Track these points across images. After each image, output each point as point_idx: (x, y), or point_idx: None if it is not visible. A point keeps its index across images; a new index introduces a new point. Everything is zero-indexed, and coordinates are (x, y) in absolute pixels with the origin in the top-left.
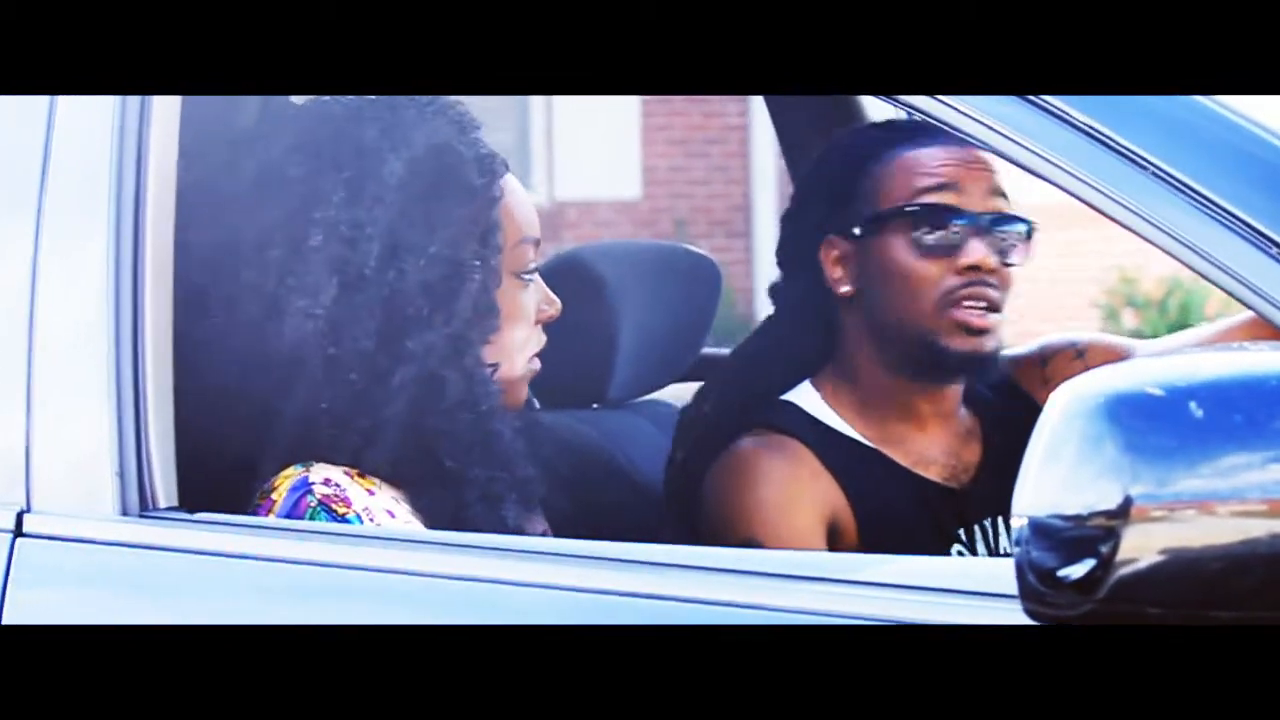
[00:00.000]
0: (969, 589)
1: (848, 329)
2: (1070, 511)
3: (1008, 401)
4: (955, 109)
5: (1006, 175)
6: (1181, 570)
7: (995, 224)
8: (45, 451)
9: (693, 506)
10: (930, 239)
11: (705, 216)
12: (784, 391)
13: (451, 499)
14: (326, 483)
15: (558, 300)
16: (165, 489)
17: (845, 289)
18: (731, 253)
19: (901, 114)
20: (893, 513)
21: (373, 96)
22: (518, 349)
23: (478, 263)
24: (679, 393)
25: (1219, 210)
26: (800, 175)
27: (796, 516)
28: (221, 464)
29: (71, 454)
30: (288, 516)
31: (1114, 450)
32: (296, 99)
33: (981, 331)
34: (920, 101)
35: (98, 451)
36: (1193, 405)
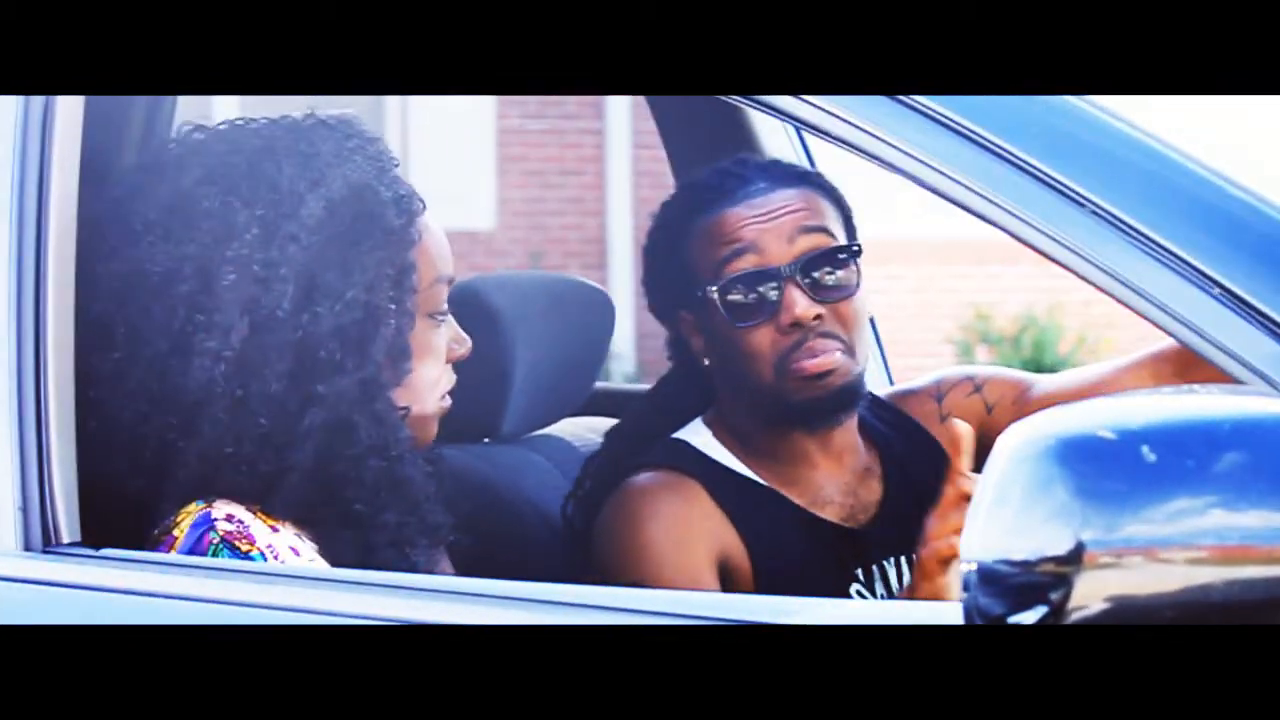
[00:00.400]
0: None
1: (719, 386)
2: (1019, 557)
3: (906, 438)
4: (822, 109)
5: (815, 207)
6: (1133, 618)
7: (808, 267)
8: None
9: (587, 543)
10: (745, 310)
11: (560, 248)
12: (676, 430)
13: (359, 542)
14: (229, 519)
15: (468, 339)
16: (69, 524)
17: (705, 360)
18: None
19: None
20: (788, 552)
21: (288, 125)
22: (429, 389)
23: (393, 306)
24: (571, 428)
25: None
26: (642, 250)
27: (687, 555)
28: (124, 499)
29: None
30: (189, 553)
31: (1064, 494)
32: (208, 124)
33: (822, 374)
34: (784, 102)
35: None
36: (1145, 449)
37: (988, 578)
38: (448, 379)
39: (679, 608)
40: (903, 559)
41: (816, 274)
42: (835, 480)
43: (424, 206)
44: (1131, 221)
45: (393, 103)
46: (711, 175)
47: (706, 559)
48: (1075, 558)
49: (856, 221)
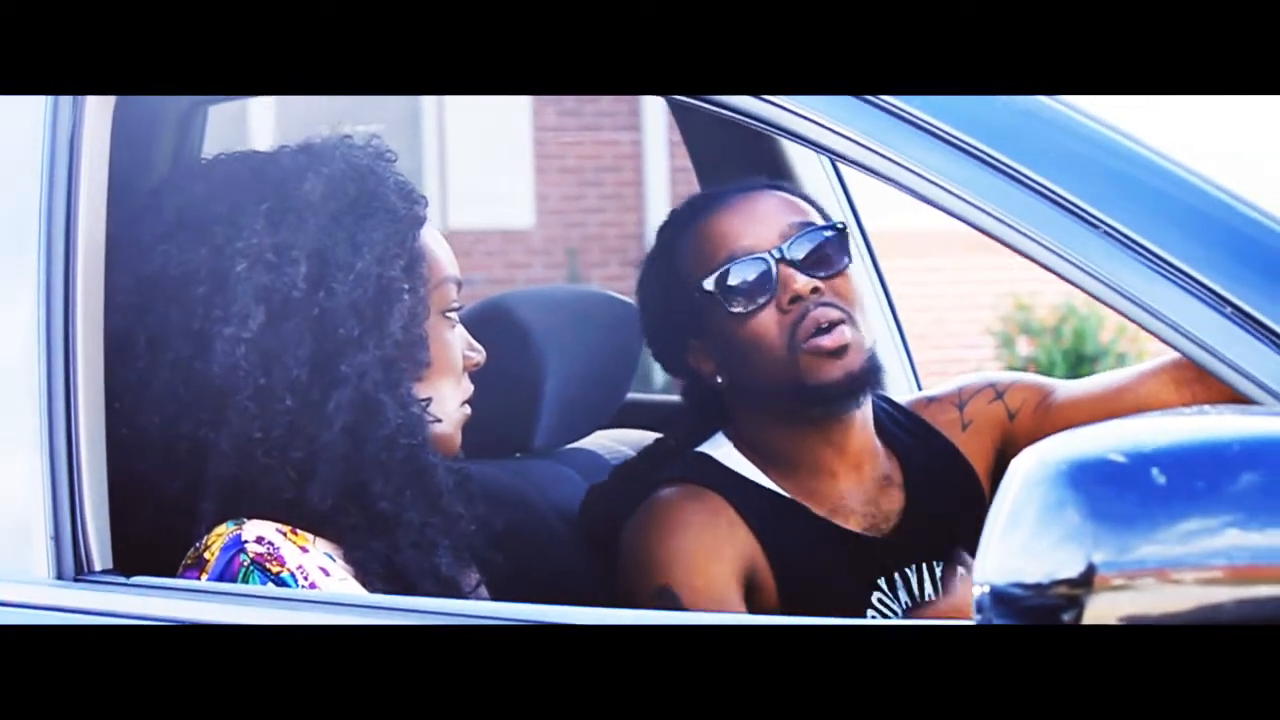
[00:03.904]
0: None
1: (736, 405)
2: (1032, 579)
3: (927, 447)
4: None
5: (790, 200)
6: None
7: (794, 246)
8: None
9: (609, 557)
10: (744, 295)
11: (598, 245)
12: (698, 444)
13: (385, 547)
14: (259, 540)
15: (481, 349)
16: (100, 552)
17: (718, 380)
18: (626, 281)
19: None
20: (811, 563)
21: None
22: (449, 390)
23: (405, 286)
24: (602, 440)
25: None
26: (637, 302)
27: (714, 566)
28: (155, 519)
29: (4, 516)
30: (220, 577)
31: (1076, 517)
32: (208, 153)
33: (839, 350)
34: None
35: (31, 514)
36: (1155, 471)
37: (1001, 600)
38: (465, 385)
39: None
40: (924, 567)
41: (805, 253)
42: (856, 490)
43: (426, 203)
44: (1143, 241)
45: (429, 103)
46: (683, 204)
47: (732, 570)
48: (1087, 580)
49: (830, 214)
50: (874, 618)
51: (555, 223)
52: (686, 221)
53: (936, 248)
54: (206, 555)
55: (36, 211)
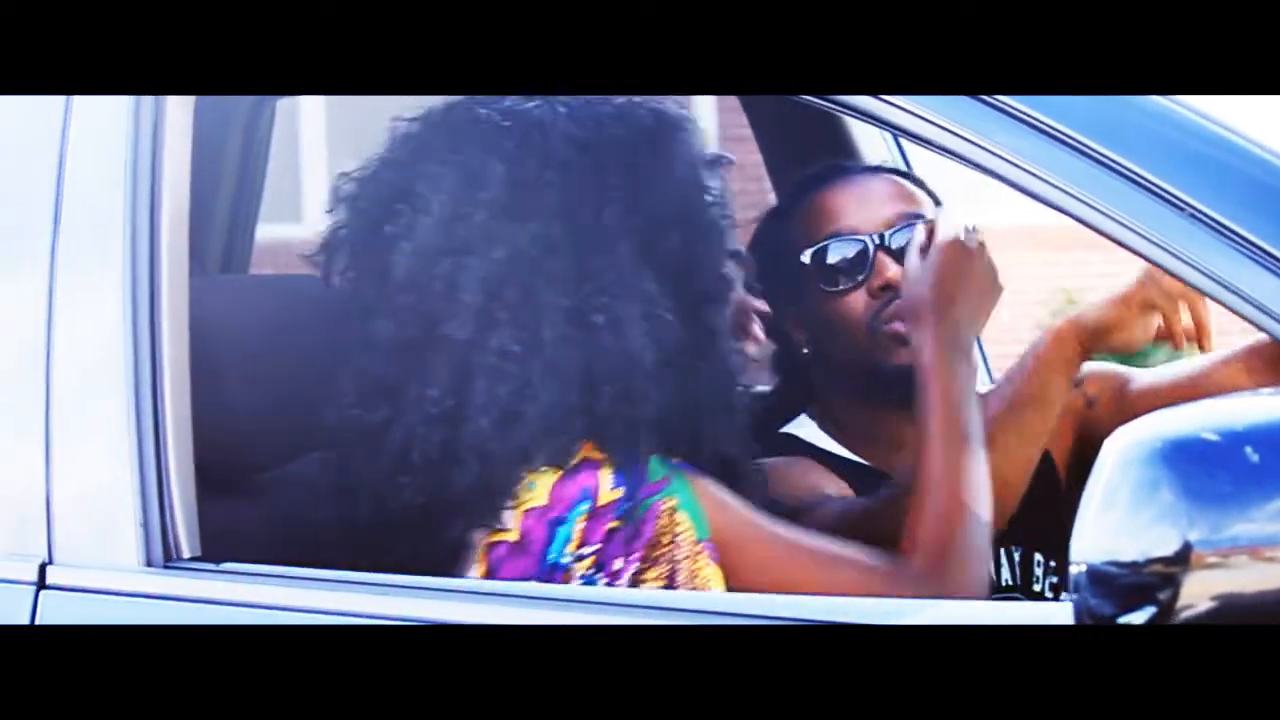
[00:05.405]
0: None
1: (820, 379)
2: (1127, 558)
3: None
4: (907, 110)
5: (906, 191)
6: (1239, 617)
7: (896, 235)
8: (66, 502)
9: None
10: (836, 274)
11: None
12: (783, 427)
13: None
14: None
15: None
16: (189, 539)
17: (805, 350)
18: None
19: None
20: (897, 537)
21: None
22: None
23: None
24: None
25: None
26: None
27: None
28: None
29: (93, 504)
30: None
31: (1170, 496)
32: None
33: None
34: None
35: (119, 501)
36: (1248, 450)
37: (1097, 578)
38: None
39: (782, 611)
40: (1001, 551)
41: (906, 243)
42: None
43: None
44: (1229, 224)
45: None
46: (818, 168)
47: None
48: (1182, 558)
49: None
50: None
51: None
52: (805, 190)
53: (988, 242)
54: (537, 502)
55: (121, 203)
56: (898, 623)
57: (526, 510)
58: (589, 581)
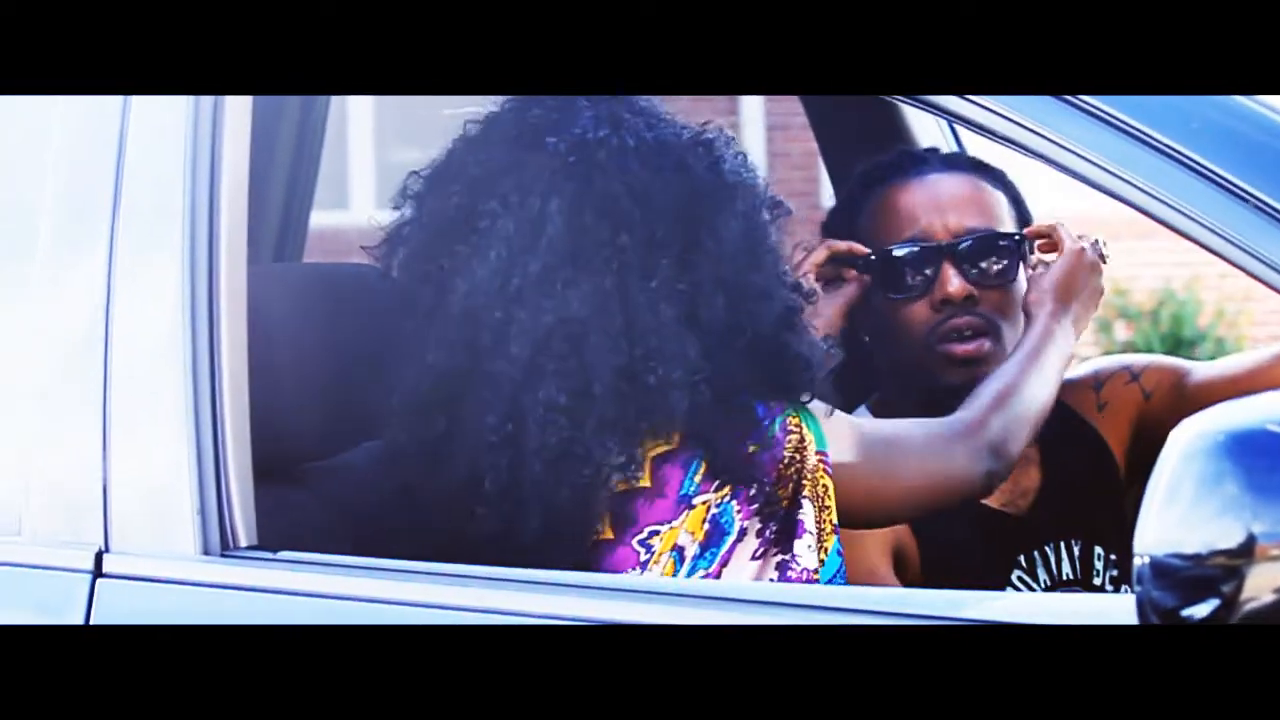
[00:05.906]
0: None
1: (881, 371)
2: (1190, 550)
3: (1064, 427)
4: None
5: (983, 195)
6: None
7: (966, 246)
8: (122, 490)
9: None
10: (901, 282)
11: None
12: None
13: None
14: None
15: None
16: (245, 528)
17: (864, 337)
18: None
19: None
20: (952, 537)
21: None
22: None
23: None
24: None
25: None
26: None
27: (865, 538)
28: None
29: (150, 492)
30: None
31: (1235, 488)
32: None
33: (968, 360)
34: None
35: (176, 489)
36: None
37: (1160, 571)
38: None
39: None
40: (1062, 546)
41: (974, 256)
42: None
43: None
44: None
45: None
46: (893, 155)
47: (883, 542)
48: (1247, 551)
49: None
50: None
51: None
52: (881, 179)
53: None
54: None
55: (180, 195)
56: (958, 614)
57: (654, 456)
58: (723, 512)
